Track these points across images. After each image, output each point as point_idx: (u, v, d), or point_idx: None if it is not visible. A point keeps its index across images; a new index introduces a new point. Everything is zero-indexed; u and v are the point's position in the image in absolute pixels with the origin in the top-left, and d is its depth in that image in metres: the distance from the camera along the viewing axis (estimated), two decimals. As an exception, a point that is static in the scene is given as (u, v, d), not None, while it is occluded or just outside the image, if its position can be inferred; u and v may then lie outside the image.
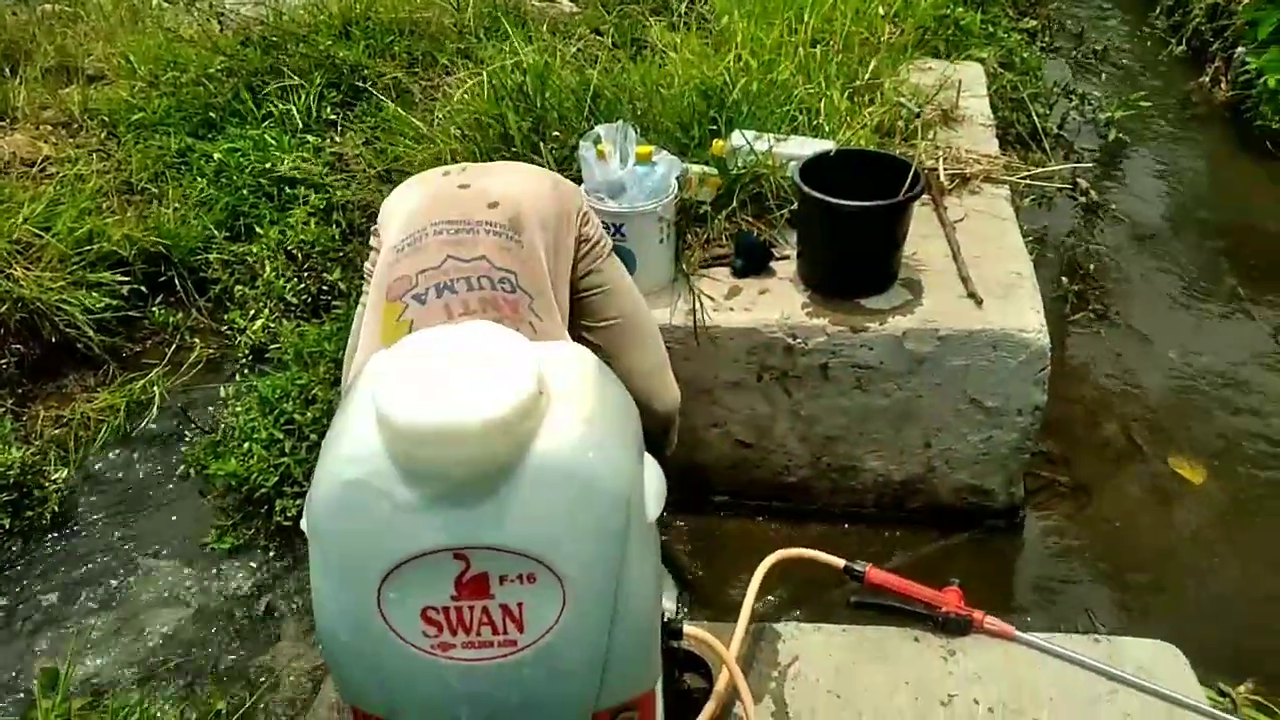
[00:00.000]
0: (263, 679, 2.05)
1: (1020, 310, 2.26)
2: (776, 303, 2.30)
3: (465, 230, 1.53)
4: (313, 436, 2.42)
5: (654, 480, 1.21)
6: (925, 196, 2.53)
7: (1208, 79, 4.70)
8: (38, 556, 2.39)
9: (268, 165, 3.25)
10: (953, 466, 2.40)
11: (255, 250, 3.08)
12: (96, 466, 2.66)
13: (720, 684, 1.49)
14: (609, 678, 1.21)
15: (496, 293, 1.47)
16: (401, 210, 1.62)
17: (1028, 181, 3.01)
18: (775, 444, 2.44)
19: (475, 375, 1.09)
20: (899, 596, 1.64)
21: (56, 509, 2.49)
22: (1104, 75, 4.78)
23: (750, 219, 2.50)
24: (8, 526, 2.40)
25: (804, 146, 2.48)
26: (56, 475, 2.56)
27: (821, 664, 1.57)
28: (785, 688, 1.54)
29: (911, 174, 2.20)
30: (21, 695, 2.02)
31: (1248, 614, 2.21)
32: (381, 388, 1.09)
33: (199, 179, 3.32)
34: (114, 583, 2.32)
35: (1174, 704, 1.48)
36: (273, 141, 3.34)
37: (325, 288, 3.04)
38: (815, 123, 2.72)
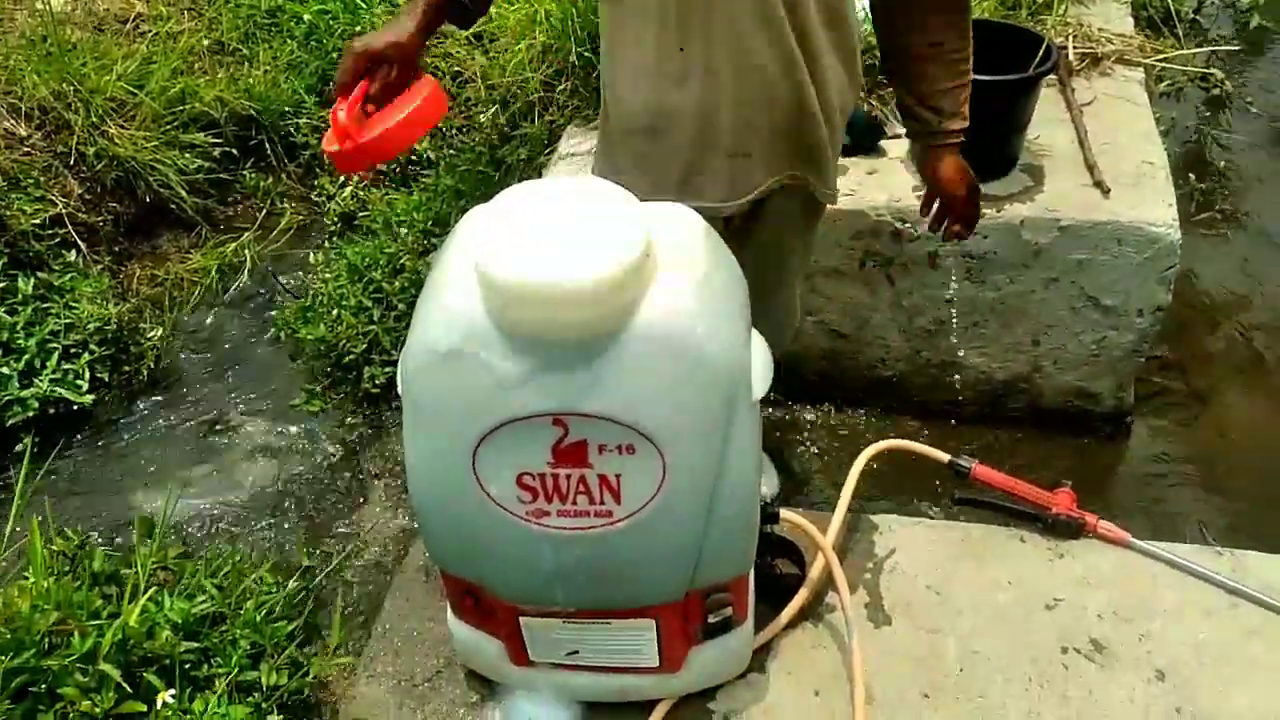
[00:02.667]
0: (350, 539, 2.07)
1: (1150, 202, 2.09)
2: (885, 184, 2.17)
3: None
4: (400, 306, 2.40)
5: (761, 358, 1.15)
6: (1051, 76, 2.34)
7: (1369, -39, 4.26)
8: (135, 410, 2.45)
9: (357, 28, 3.17)
10: (1060, 367, 2.28)
11: (345, 116, 3.02)
12: (190, 326, 2.70)
13: (814, 571, 1.45)
14: (705, 557, 1.17)
15: None
16: None
17: (1163, 65, 2.78)
18: (873, 335, 2.34)
19: (582, 233, 1.02)
20: (1006, 495, 1.56)
21: (152, 365, 2.54)
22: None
23: (861, 93, 2.35)
24: (106, 380, 2.45)
25: (925, 16, 2.30)
26: (152, 333, 2.61)
27: (920, 558, 1.51)
28: (881, 580, 1.49)
29: (1044, 49, 2.02)
30: (121, 542, 2.08)
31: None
32: (483, 244, 1.03)
33: (289, 40, 3.26)
34: (207, 438, 2.37)
35: (1300, 623, 1.39)
36: (362, 3, 3.25)
37: (414, 157, 2.98)
38: (937, -8, 2.52)
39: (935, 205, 1.55)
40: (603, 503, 1.10)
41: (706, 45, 1.29)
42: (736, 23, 1.27)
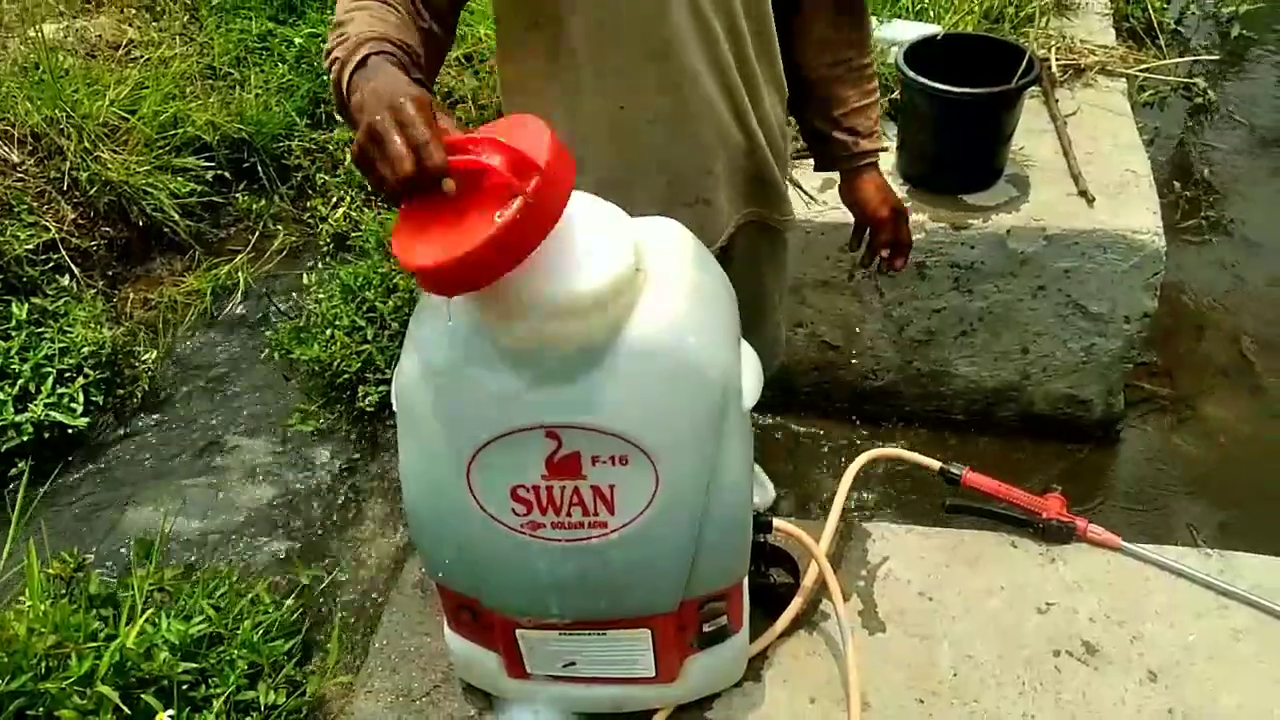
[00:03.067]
0: (346, 557, 2.08)
1: (1134, 210, 2.12)
2: (872, 197, 2.19)
3: None
4: (394, 325, 2.41)
5: (750, 367, 1.16)
6: (1035, 88, 2.37)
7: (1346, -30, 4.32)
8: (130, 433, 2.45)
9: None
10: (1050, 375, 2.30)
11: (336, 137, 3.05)
12: (184, 348, 2.70)
13: (808, 580, 1.46)
14: (699, 566, 1.18)
15: None
16: None
17: (1145, 75, 2.82)
18: (863, 346, 2.36)
19: (572, 247, 1.04)
20: (997, 501, 1.58)
21: (147, 388, 2.55)
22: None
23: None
24: (101, 403, 2.45)
25: (908, 30, 2.34)
26: (146, 356, 2.61)
27: (913, 565, 1.53)
28: (875, 587, 1.50)
29: (1026, 61, 2.05)
30: (117, 564, 2.09)
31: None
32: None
33: (280, 64, 3.29)
34: (202, 460, 2.37)
35: (1289, 623, 1.41)
36: (353, 26, 3.28)
37: (406, 176, 3.00)
38: (920, 6, 2.55)
39: (866, 235, 1.49)
40: (597, 514, 1.11)
41: (659, 96, 1.24)
42: (689, 70, 1.22)
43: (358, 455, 2.35)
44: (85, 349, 2.44)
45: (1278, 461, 2.29)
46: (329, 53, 1.02)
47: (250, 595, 1.75)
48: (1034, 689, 1.36)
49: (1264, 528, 2.11)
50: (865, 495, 2.16)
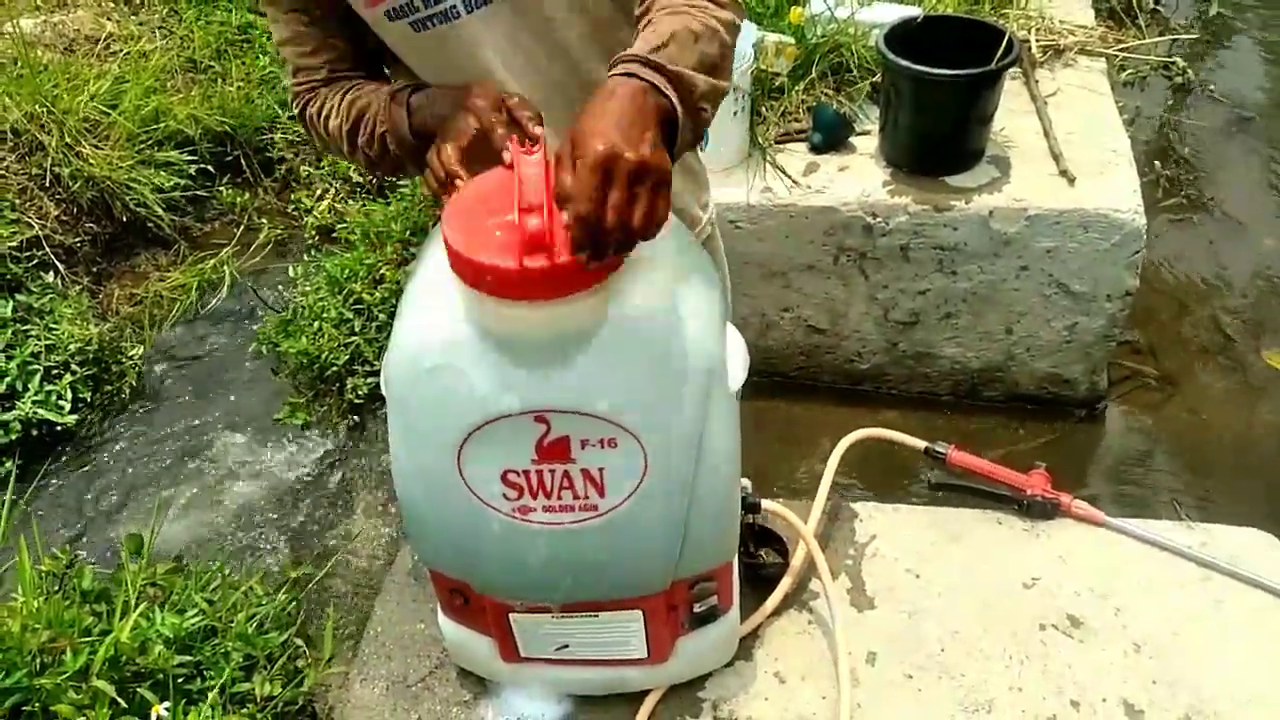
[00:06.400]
0: (338, 549, 2.09)
1: (1115, 189, 2.14)
2: (856, 180, 2.21)
3: None
4: (381, 316, 2.42)
5: (737, 349, 1.17)
6: (1015, 69, 2.39)
7: (1323, -53, 4.34)
8: (118, 429, 2.45)
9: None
10: (1034, 354, 2.33)
11: (319, 130, 3.04)
12: (171, 344, 2.70)
13: (797, 559, 1.47)
14: (688, 546, 1.19)
15: None
16: None
17: (1125, 55, 2.84)
18: (849, 329, 2.38)
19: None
20: (982, 479, 1.60)
21: (134, 384, 2.55)
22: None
23: (829, 91, 2.39)
24: (89, 400, 2.45)
25: (888, 12, 2.35)
26: (133, 352, 2.61)
27: (900, 543, 1.54)
28: (863, 566, 1.52)
29: (1005, 41, 2.06)
30: (109, 560, 2.09)
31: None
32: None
33: (261, 56, 3.27)
34: (192, 455, 2.37)
35: (1270, 593, 1.43)
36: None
37: (390, 167, 3.00)
38: (900, -11, 2.56)
39: None
40: (587, 497, 1.12)
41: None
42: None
43: (347, 447, 2.35)
44: (72, 345, 2.43)
45: (1257, 436, 2.32)
46: (345, 145, 1.25)
47: (244, 588, 1.76)
48: (1020, 662, 1.38)
49: (1243, 501, 2.15)
50: (852, 475, 2.18)
